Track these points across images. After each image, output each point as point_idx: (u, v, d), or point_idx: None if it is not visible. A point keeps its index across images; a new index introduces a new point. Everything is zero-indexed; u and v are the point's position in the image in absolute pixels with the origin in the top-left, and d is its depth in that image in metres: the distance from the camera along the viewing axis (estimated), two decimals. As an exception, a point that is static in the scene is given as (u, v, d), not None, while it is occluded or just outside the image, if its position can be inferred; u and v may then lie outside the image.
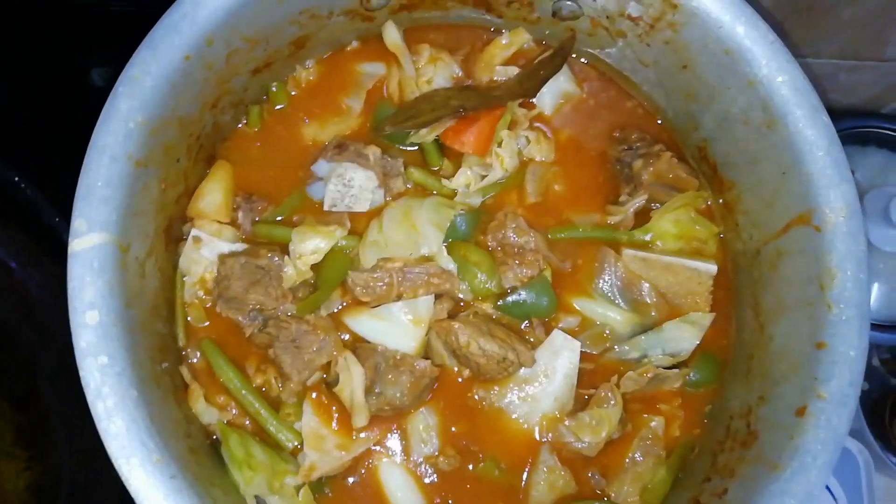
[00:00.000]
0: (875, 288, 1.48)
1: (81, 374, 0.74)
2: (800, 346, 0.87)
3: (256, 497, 0.91)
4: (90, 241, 0.76)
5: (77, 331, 0.75)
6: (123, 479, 0.73)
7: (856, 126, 1.54)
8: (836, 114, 1.49)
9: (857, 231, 0.85)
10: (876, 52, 1.45)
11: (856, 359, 0.82)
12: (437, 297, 0.99)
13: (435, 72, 1.08)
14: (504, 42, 1.10)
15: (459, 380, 1.00)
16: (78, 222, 0.77)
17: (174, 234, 0.98)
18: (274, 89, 1.06)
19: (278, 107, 1.07)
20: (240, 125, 1.06)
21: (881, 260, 1.45)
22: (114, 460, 0.73)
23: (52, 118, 1.21)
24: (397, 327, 0.98)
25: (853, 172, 1.46)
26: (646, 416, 1.01)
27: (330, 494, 0.96)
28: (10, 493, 1.11)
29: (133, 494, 0.73)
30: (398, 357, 0.96)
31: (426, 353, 0.99)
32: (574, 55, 1.11)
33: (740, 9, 0.90)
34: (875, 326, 1.42)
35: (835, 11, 1.32)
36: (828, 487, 1.63)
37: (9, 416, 1.13)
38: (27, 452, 1.13)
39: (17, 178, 0.92)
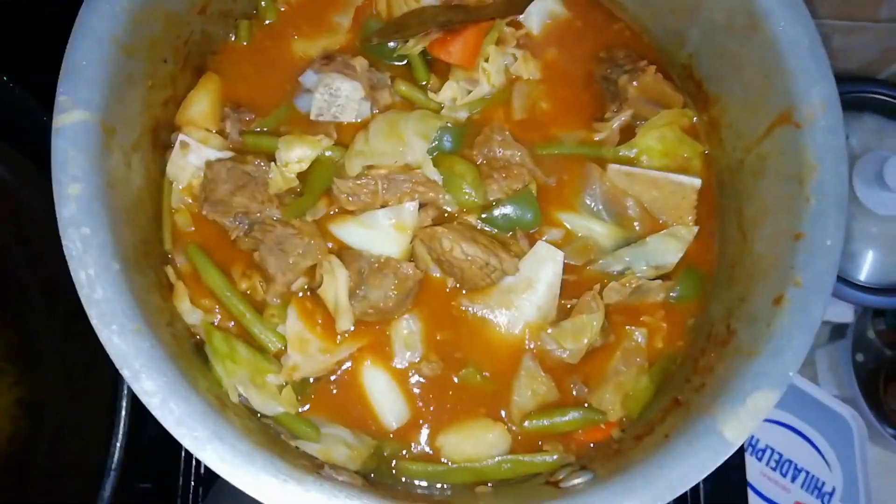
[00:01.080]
0: (869, 253, 1.49)
1: (64, 243, 0.75)
2: (780, 241, 0.88)
3: (239, 394, 0.91)
4: (74, 117, 0.78)
5: (60, 201, 0.76)
6: (105, 345, 0.74)
7: (851, 91, 1.55)
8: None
9: (836, 125, 0.86)
10: (871, 13, 1.46)
11: (832, 248, 0.83)
12: (422, 205, 1.00)
13: (424, -9, 1.09)
14: (493, -38, 1.11)
15: (447, 290, 1.01)
16: (62, 98, 0.78)
17: (162, 139, 0.99)
18: (263, 4, 1.08)
19: (268, 21, 1.08)
20: (230, 39, 1.07)
21: (875, 223, 1.46)
22: (94, 326, 0.74)
23: (40, 26, 1.20)
24: (381, 233, 0.99)
25: (847, 137, 1.49)
26: (629, 327, 1.02)
27: (312, 396, 0.96)
28: (1, 408, 1.12)
29: (114, 360, 0.74)
30: (382, 261, 0.97)
31: (411, 260, 1.00)
32: (562, -23, 1.12)
33: (721, -90, 0.90)
34: (869, 290, 1.45)
35: (827, -33, 1.32)
36: (821, 454, 1.64)
37: (0, 331, 1.14)
38: (16, 368, 1.13)
39: (4, 78, 0.93)
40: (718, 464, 0.78)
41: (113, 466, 0.84)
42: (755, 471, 1.61)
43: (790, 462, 1.62)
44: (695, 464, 0.78)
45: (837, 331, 1.70)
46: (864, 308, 1.62)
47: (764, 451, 1.62)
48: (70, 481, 1.04)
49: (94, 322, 0.74)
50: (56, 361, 1.13)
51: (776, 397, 0.79)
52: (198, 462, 1.15)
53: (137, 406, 0.91)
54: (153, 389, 0.74)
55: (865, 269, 1.48)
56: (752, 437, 1.64)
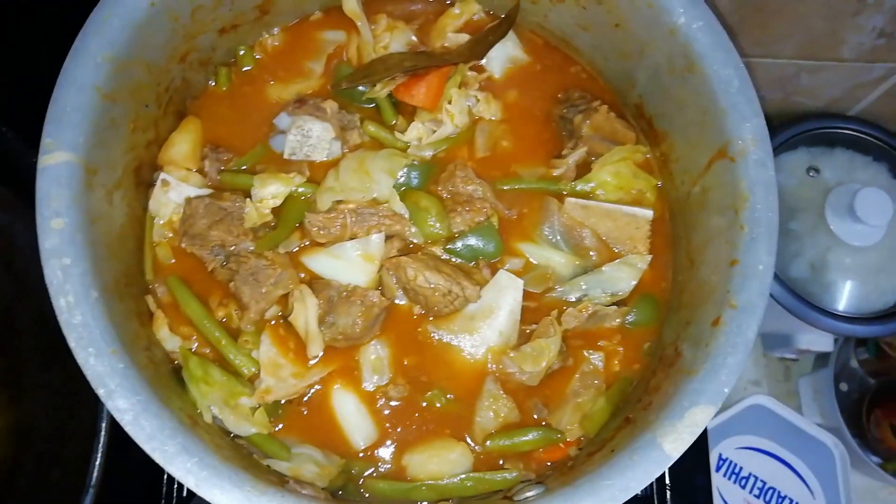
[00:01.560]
0: (847, 283, 1.53)
1: (46, 272, 0.81)
2: (719, 267, 0.94)
3: (214, 417, 0.97)
4: (57, 157, 0.84)
5: (42, 234, 0.82)
6: (82, 366, 0.79)
7: (822, 127, 1.61)
8: (804, 115, 1.59)
9: (765, 158, 0.92)
10: (833, 53, 1.53)
11: (763, 272, 0.89)
12: (389, 237, 1.06)
13: (391, 38, 1.17)
14: (456, 12, 1.19)
15: (413, 316, 1.06)
16: (47, 141, 0.85)
17: (144, 177, 1.06)
18: (242, 53, 1.15)
19: (245, 68, 1.15)
20: (210, 84, 1.14)
21: (849, 254, 1.51)
22: (73, 350, 0.80)
23: (29, 76, 1.28)
24: (350, 263, 1.05)
25: (819, 171, 1.55)
26: (587, 352, 1.07)
27: (284, 417, 1.01)
28: (-14, 434, 1.17)
29: (90, 380, 0.79)
30: (350, 289, 1.03)
31: (378, 288, 1.06)
32: (521, 24, 1.20)
33: (657, -36, 0.99)
34: (848, 319, 1.48)
35: (787, 10, 1.40)
36: (804, 481, 1.67)
37: (-13, 359, 1.19)
38: (3, 396, 1.18)
39: (-2, 123, 1.01)
40: (657, 474, 0.82)
41: (92, 483, 0.89)
42: (739, 498, 1.65)
43: (774, 490, 1.65)
44: (636, 475, 0.83)
45: (820, 360, 1.74)
46: (846, 338, 1.67)
47: (748, 478, 1.66)
48: (53, 504, 1.09)
49: (72, 345, 0.80)
50: (42, 390, 1.18)
51: (712, 412, 0.84)
52: (179, 484, 1.19)
53: (118, 429, 0.97)
54: (126, 407, 0.80)
55: (843, 300, 1.52)
56: (735, 464, 1.68)
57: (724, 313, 0.89)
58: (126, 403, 0.79)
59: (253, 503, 0.78)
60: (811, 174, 1.58)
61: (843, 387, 1.72)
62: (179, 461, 0.78)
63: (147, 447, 0.78)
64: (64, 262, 0.82)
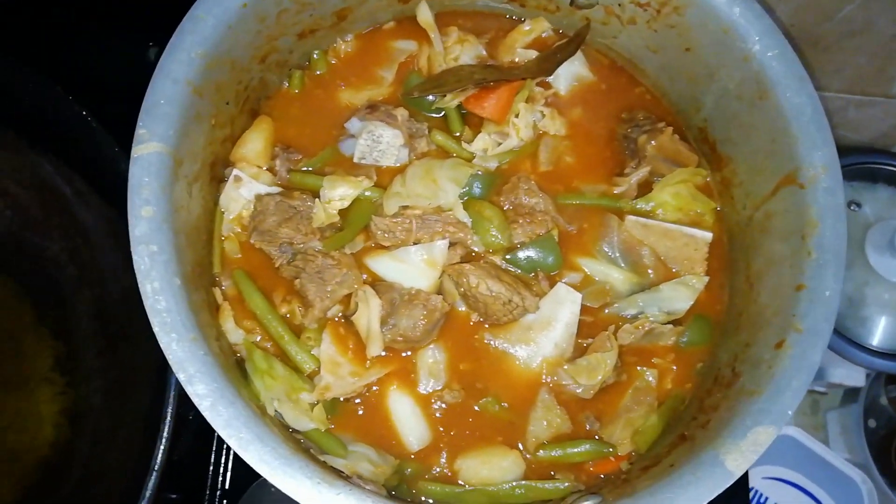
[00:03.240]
0: (882, 319, 1.53)
1: (134, 258, 0.84)
2: (782, 291, 0.95)
3: (276, 410, 0.98)
4: (150, 148, 0.87)
5: (133, 221, 0.85)
6: (164, 350, 0.82)
7: (865, 161, 1.62)
8: (847, 149, 1.60)
9: (836, 187, 0.94)
10: (882, 89, 1.54)
11: (830, 298, 0.90)
12: (452, 244, 1.08)
13: (461, 51, 1.19)
14: (526, 28, 1.22)
15: (470, 323, 1.08)
16: (141, 132, 0.88)
17: (217, 174, 1.08)
18: (315, 57, 1.18)
19: (318, 72, 1.18)
20: (283, 86, 1.17)
21: (887, 290, 1.52)
22: (157, 334, 0.82)
23: (116, 88, 1.33)
24: (413, 268, 1.06)
25: (860, 206, 1.56)
26: (640, 368, 1.08)
27: (340, 416, 1.03)
28: (45, 415, 1.19)
29: (171, 365, 0.81)
30: (413, 292, 1.05)
31: (439, 293, 1.07)
32: (588, 44, 1.22)
33: (736, -11, 1.01)
34: (882, 355, 1.49)
35: (839, 46, 1.41)
36: None
37: (50, 343, 1.22)
38: (64, 379, 1.21)
39: (83, 113, 1.04)
40: (720, 491, 0.83)
41: (156, 467, 0.90)
42: (766, 528, 1.64)
43: (800, 521, 1.65)
44: (698, 491, 0.84)
45: (849, 395, 1.74)
46: (877, 373, 1.66)
47: (774, 509, 1.66)
48: (105, 488, 1.11)
49: (155, 329, 0.82)
50: (99, 376, 1.21)
51: (775, 432, 0.85)
52: (223, 477, 1.21)
53: (174, 422, 0.99)
54: (205, 393, 0.82)
55: (878, 335, 1.52)
56: (762, 494, 1.67)
57: (789, 337, 0.90)
58: (205, 389, 0.81)
59: (323, 495, 0.80)
60: (852, 208, 1.59)
61: (872, 423, 1.72)
62: (254, 449, 0.80)
63: (224, 433, 0.80)
64: (151, 248, 0.84)
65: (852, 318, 1.52)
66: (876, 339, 1.52)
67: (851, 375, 1.63)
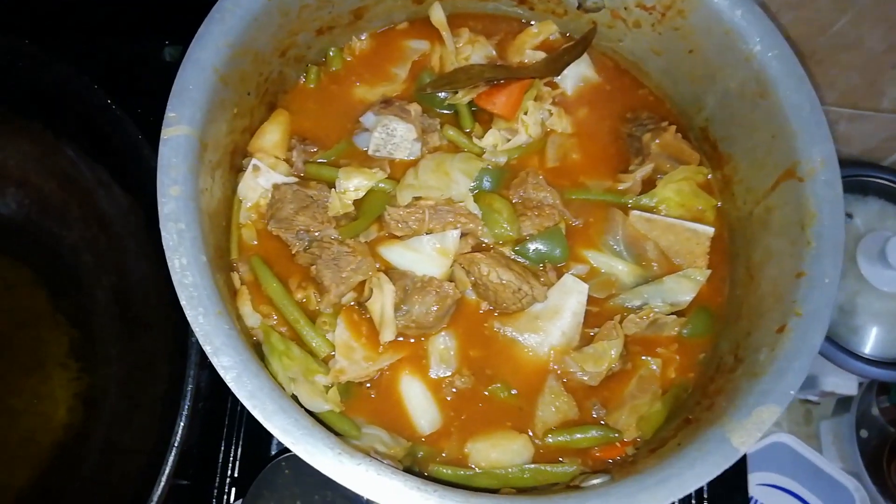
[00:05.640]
0: (874, 329, 1.56)
1: (163, 234, 0.86)
2: (783, 280, 0.99)
3: (292, 393, 1.01)
4: (179, 130, 0.91)
5: (163, 200, 0.88)
6: (192, 323, 0.84)
7: (856, 174, 1.65)
8: (839, 162, 1.62)
9: (834, 179, 0.98)
10: (873, 103, 1.58)
11: (829, 284, 0.93)
12: (463, 234, 1.11)
13: (472, 51, 1.23)
14: (534, 31, 1.27)
15: (480, 311, 1.11)
16: (171, 115, 0.91)
17: (236, 163, 1.12)
18: (332, 54, 1.22)
19: (334, 68, 1.22)
20: (300, 81, 1.21)
21: (878, 300, 1.54)
22: (185, 308, 0.85)
23: (132, 83, 1.36)
24: (426, 257, 1.10)
25: (851, 217, 1.60)
26: (645, 357, 1.11)
27: (353, 399, 1.05)
28: (60, 399, 1.21)
29: (198, 337, 0.84)
30: (425, 280, 1.08)
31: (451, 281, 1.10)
32: (595, 47, 1.26)
33: (737, -9, 1.06)
34: (874, 363, 1.51)
35: (832, 60, 1.46)
36: None
37: (66, 329, 1.24)
38: (78, 364, 1.23)
39: (108, 101, 1.07)
40: (727, 466, 0.86)
41: (176, 443, 0.93)
42: (759, 534, 1.66)
43: (793, 528, 1.67)
44: (705, 467, 0.86)
45: (842, 405, 1.76)
46: (869, 384, 1.70)
47: (767, 515, 1.68)
48: (121, 470, 1.12)
49: (183, 303, 0.85)
50: (114, 361, 1.23)
51: (779, 411, 0.88)
52: (232, 464, 1.23)
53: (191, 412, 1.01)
54: (230, 365, 0.84)
55: (870, 344, 1.55)
56: (757, 500, 1.69)
57: (790, 320, 0.93)
58: (230, 361, 0.84)
59: (345, 464, 0.82)
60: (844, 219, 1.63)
61: (864, 433, 1.74)
62: (277, 419, 0.83)
63: (248, 404, 0.83)
64: (179, 226, 0.87)
65: (844, 327, 1.55)
66: (868, 347, 1.55)
67: (844, 384, 1.65)
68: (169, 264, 0.86)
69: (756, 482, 1.71)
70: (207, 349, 0.84)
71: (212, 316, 0.85)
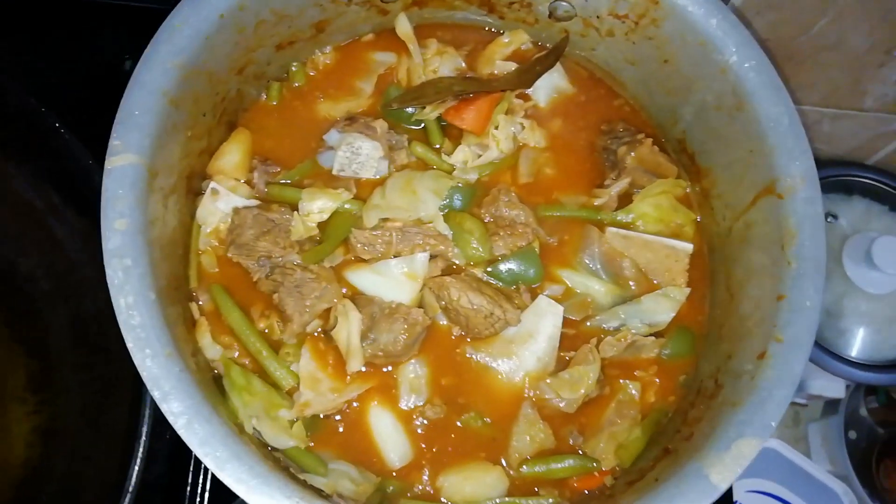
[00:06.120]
0: (860, 330, 1.54)
1: (108, 272, 0.82)
2: (763, 302, 0.95)
3: (254, 428, 0.96)
4: (124, 159, 0.86)
5: (107, 234, 0.83)
6: (139, 368, 0.80)
7: (840, 174, 1.63)
8: (823, 162, 1.61)
9: (814, 197, 0.94)
10: (856, 102, 1.56)
11: (811, 308, 0.90)
12: (432, 257, 1.07)
13: (441, 63, 1.19)
14: (505, 41, 1.22)
15: (452, 337, 1.06)
16: (116, 143, 0.86)
17: (194, 187, 1.07)
18: (294, 68, 1.17)
19: (296, 84, 1.17)
20: (261, 98, 1.16)
21: (865, 301, 1.52)
22: (131, 351, 0.80)
23: (91, 100, 1.31)
24: (393, 281, 1.05)
25: (836, 217, 1.58)
26: (623, 381, 1.07)
27: (320, 433, 1.01)
28: (16, 435, 1.16)
29: (146, 382, 0.79)
30: (393, 306, 1.03)
31: (420, 307, 1.06)
32: (568, 56, 1.22)
33: (713, 2, 1.01)
34: (861, 366, 1.49)
35: (814, 60, 1.43)
36: None
37: (23, 361, 1.19)
38: (36, 397, 1.18)
39: (56, 125, 1.02)
40: (705, 504, 0.83)
41: (130, 489, 0.88)
42: (746, 541, 1.64)
43: (782, 534, 1.64)
44: (683, 504, 0.83)
45: (830, 407, 1.74)
46: (857, 385, 1.67)
47: (756, 521, 1.65)
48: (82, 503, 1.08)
49: (130, 346, 0.80)
50: (75, 392, 1.18)
51: (759, 444, 0.85)
52: (201, 497, 1.18)
53: (150, 439, 0.97)
54: (180, 410, 0.80)
55: (857, 346, 1.53)
56: (744, 508, 1.67)
57: (770, 347, 0.90)
58: (180, 407, 0.79)
59: (302, 514, 0.78)
60: (829, 220, 1.60)
61: (852, 435, 1.72)
62: (231, 468, 0.78)
63: (199, 452, 0.78)
64: (125, 262, 0.83)
65: (831, 329, 1.53)
66: (854, 350, 1.53)
67: (831, 387, 1.62)
68: (114, 304, 0.81)
69: (744, 489, 1.69)
70: (156, 395, 0.79)
71: (161, 358, 0.80)
